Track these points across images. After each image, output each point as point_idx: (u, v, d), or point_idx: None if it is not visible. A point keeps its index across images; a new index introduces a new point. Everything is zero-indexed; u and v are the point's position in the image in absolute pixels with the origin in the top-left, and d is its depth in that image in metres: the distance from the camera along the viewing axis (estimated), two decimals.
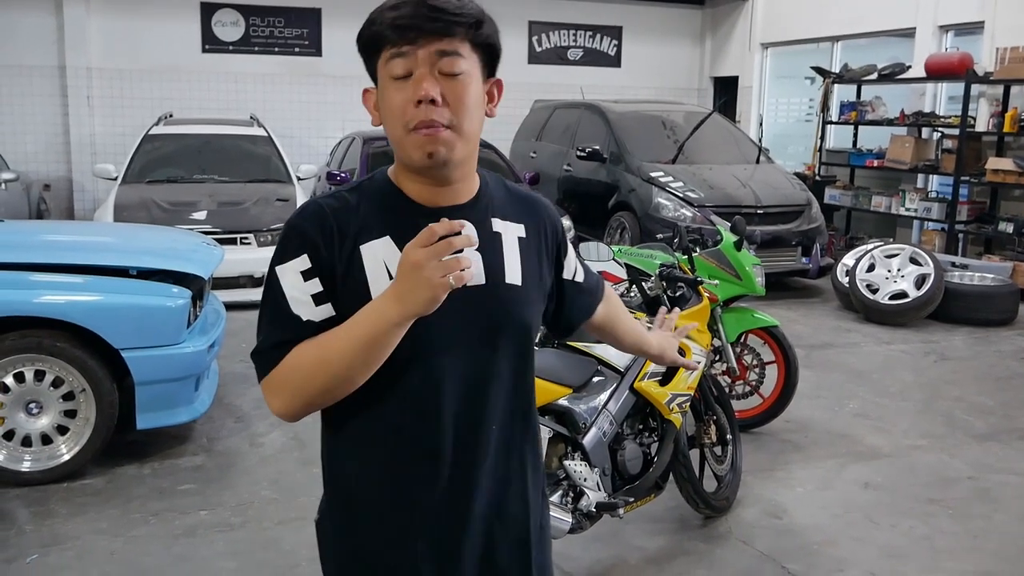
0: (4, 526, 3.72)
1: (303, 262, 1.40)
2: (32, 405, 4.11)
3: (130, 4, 11.85)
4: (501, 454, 1.51)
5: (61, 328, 4.06)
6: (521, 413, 1.54)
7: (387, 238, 1.41)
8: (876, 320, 7.68)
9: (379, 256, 1.41)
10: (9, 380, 4.07)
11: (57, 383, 4.11)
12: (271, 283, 1.42)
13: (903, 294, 7.60)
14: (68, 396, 4.13)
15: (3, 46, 11.35)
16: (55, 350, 4.05)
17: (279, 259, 1.42)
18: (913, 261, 7.76)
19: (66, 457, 4.13)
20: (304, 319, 1.39)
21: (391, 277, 1.38)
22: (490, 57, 1.44)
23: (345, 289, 1.40)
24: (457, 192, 1.46)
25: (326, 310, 1.40)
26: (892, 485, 4.36)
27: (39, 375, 4.09)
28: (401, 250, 1.33)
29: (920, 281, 7.61)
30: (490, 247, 1.47)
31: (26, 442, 4.12)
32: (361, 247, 1.41)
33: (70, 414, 4.15)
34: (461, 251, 1.29)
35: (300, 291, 1.39)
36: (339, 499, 1.53)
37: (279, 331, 1.40)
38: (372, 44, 1.39)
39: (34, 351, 4.04)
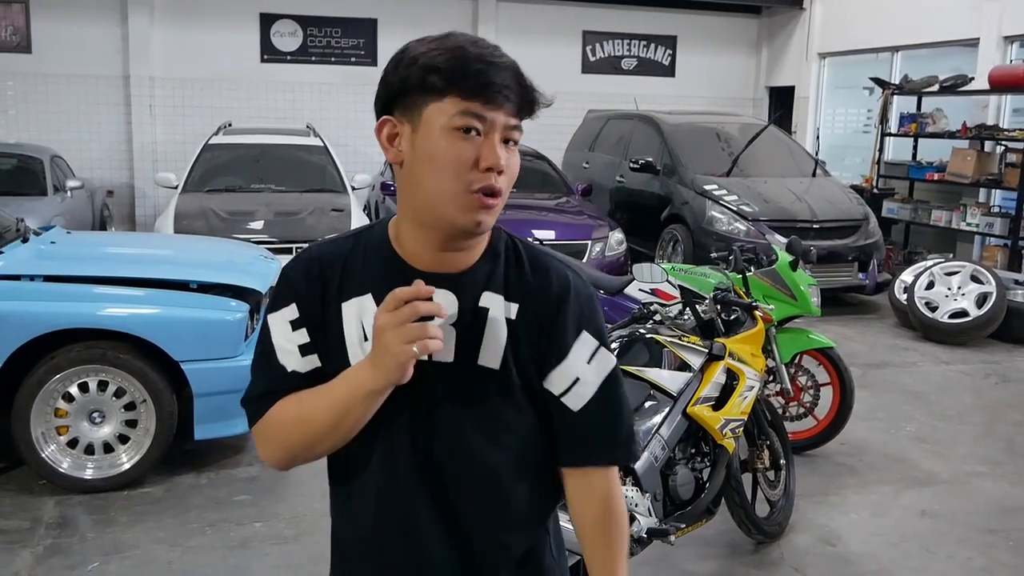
0: (67, 533, 3.83)
1: (291, 311, 1.37)
2: (95, 414, 4.23)
3: (192, 15, 12.13)
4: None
5: (124, 340, 4.18)
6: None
7: (369, 296, 1.35)
8: (935, 339, 7.52)
9: (357, 314, 1.35)
10: (74, 390, 4.19)
11: (119, 393, 4.22)
12: (263, 331, 1.40)
13: (963, 312, 7.43)
14: (130, 406, 4.24)
15: (72, 56, 11.70)
16: (118, 361, 4.16)
17: (271, 307, 1.40)
18: (974, 279, 7.58)
19: (127, 466, 4.25)
20: (289, 370, 1.37)
21: (366, 338, 1.33)
22: None
23: (327, 343, 1.37)
24: (457, 259, 1.35)
25: (312, 361, 1.37)
26: (950, 513, 4.27)
27: (102, 385, 4.21)
28: None
29: (981, 300, 7.43)
30: (471, 323, 1.35)
31: (89, 450, 4.24)
32: (343, 304, 1.36)
33: (131, 424, 4.26)
34: (432, 319, 1.22)
35: (288, 341, 1.37)
36: None
37: (265, 381, 1.39)
38: (441, 83, 1.24)
39: (98, 362, 4.16)
